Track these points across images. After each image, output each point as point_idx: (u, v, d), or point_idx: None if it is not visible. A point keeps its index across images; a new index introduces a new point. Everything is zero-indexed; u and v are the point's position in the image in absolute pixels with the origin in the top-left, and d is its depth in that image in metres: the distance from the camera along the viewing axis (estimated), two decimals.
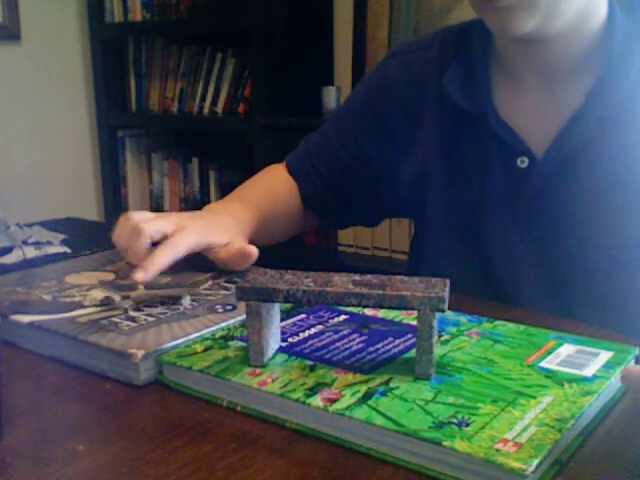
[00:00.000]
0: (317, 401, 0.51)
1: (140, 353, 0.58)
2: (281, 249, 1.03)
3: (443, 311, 0.54)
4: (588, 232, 0.82)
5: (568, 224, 0.83)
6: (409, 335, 0.63)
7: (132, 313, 0.67)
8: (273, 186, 1.01)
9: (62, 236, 1.02)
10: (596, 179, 0.81)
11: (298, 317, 0.67)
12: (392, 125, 0.95)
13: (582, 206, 0.82)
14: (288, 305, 0.69)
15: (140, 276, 0.69)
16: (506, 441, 0.46)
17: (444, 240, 0.92)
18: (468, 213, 0.88)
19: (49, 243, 0.98)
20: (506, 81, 0.87)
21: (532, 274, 0.85)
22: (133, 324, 0.65)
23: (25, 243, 0.97)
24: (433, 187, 0.92)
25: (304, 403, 0.51)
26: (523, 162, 0.83)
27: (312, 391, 0.53)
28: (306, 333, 0.64)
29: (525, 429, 0.47)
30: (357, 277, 0.58)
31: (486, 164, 0.86)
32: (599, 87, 0.80)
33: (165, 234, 0.74)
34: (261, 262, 0.79)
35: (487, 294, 0.83)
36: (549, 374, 0.56)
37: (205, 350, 0.60)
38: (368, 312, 0.69)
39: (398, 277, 0.58)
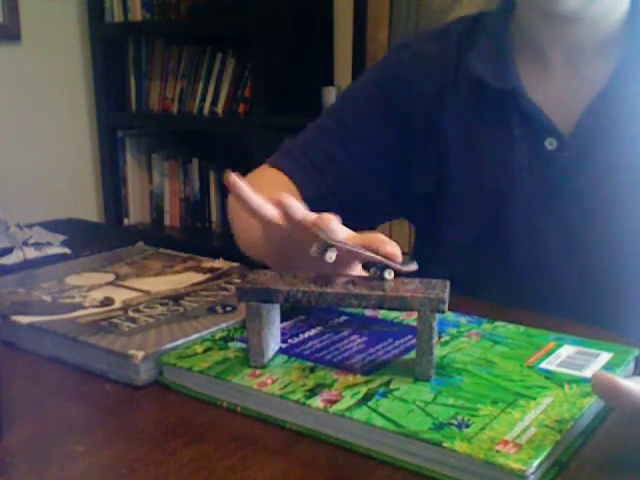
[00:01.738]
0: (317, 402, 0.51)
1: (140, 354, 0.58)
2: None
3: (443, 312, 0.54)
4: (615, 212, 0.82)
5: (595, 205, 0.82)
6: (409, 336, 0.63)
7: (131, 314, 0.67)
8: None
9: (62, 237, 1.02)
10: (621, 159, 0.81)
11: (298, 318, 0.67)
12: (408, 115, 0.93)
13: (609, 185, 0.82)
14: (288, 306, 0.69)
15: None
16: (506, 442, 0.46)
17: (464, 222, 0.90)
18: (492, 196, 0.87)
19: (49, 244, 0.98)
20: (531, 61, 0.87)
21: (557, 258, 0.84)
22: (133, 325, 0.65)
23: (25, 244, 0.97)
24: (453, 175, 0.90)
25: (304, 404, 0.51)
26: (551, 144, 0.83)
27: (312, 392, 0.53)
28: (306, 334, 0.63)
29: (525, 430, 0.47)
30: (357, 278, 0.58)
31: (511, 146, 0.85)
32: (624, 66, 0.81)
33: None
34: (261, 263, 0.79)
35: (505, 277, 0.82)
36: (549, 375, 0.56)
37: (205, 351, 0.60)
38: (368, 313, 0.69)
39: (398, 278, 0.58)
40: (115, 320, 0.66)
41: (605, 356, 0.59)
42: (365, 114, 0.95)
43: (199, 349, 0.60)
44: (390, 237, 0.62)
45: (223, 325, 0.65)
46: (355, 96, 0.98)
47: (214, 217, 2.56)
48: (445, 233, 0.92)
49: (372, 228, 1.00)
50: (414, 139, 0.93)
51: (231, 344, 0.61)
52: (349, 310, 0.69)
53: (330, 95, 2.15)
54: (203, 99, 2.47)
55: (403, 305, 0.55)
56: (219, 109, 2.43)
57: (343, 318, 0.67)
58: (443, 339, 0.63)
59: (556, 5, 0.79)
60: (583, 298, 0.82)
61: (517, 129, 0.85)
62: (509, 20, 0.89)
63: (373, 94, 0.95)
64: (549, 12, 0.82)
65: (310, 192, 0.90)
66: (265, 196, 0.82)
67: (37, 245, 0.97)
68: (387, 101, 0.94)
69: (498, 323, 0.67)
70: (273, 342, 0.59)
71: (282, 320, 0.63)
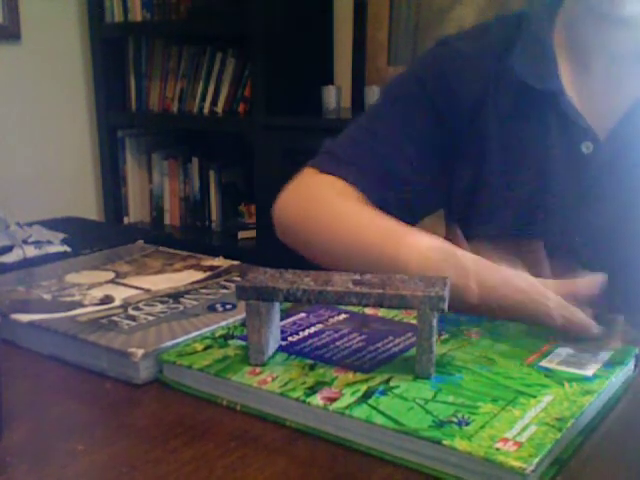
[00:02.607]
0: (317, 400, 0.51)
1: (140, 352, 0.58)
2: (281, 249, 1.02)
3: (443, 310, 0.54)
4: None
5: (624, 210, 0.82)
6: (409, 334, 0.63)
7: (131, 312, 0.67)
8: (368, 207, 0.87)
9: (62, 235, 1.02)
10: None
11: (298, 316, 0.67)
12: (449, 113, 0.91)
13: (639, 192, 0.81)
14: (288, 304, 0.69)
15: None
16: (506, 440, 0.46)
17: (496, 220, 0.89)
18: (525, 196, 0.86)
19: (49, 242, 0.98)
20: (573, 64, 0.86)
21: (588, 264, 0.83)
22: (133, 323, 0.65)
23: (25, 242, 0.96)
24: (489, 173, 0.89)
25: (304, 402, 0.51)
26: (588, 148, 0.83)
27: (312, 390, 0.53)
28: (306, 332, 0.63)
29: (525, 428, 0.47)
30: (357, 276, 0.58)
31: (548, 147, 0.85)
32: None
33: None
34: (262, 261, 0.79)
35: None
36: (549, 373, 0.56)
37: (205, 349, 0.60)
38: (368, 311, 0.68)
39: (398, 276, 0.58)
40: (115, 318, 0.66)
41: (605, 354, 0.59)
42: (410, 115, 0.93)
43: (199, 347, 0.60)
44: None
45: (223, 323, 0.65)
46: (397, 96, 0.95)
47: (214, 216, 2.56)
48: (476, 229, 0.90)
49: (416, 223, 0.95)
50: (455, 136, 0.92)
51: (231, 342, 0.61)
52: (349, 308, 0.69)
53: (330, 95, 2.15)
54: (203, 99, 2.47)
55: (403, 303, 0.55)
56: (219, 109, 2.43)
57: (343, 316, 0.67)
58: (443, 337, 0.63)
59: (618, 7, 0.78)
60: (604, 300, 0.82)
61: (555, 131, 0.85)
62: (553, 20, 0.88)
63: (414, 93, 0.93)
64: (608, 14, 0.81)
65: (376, 197, 0.88)
66: (349, 208, 0.84)
67: (37, 243, 0.97)
68: (428, 99, 0.92)
69: (498, 321, 0.66)
70: (273, 340, 0.59)
71: (282, 318, 0.63)
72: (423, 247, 0.71)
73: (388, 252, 0.74)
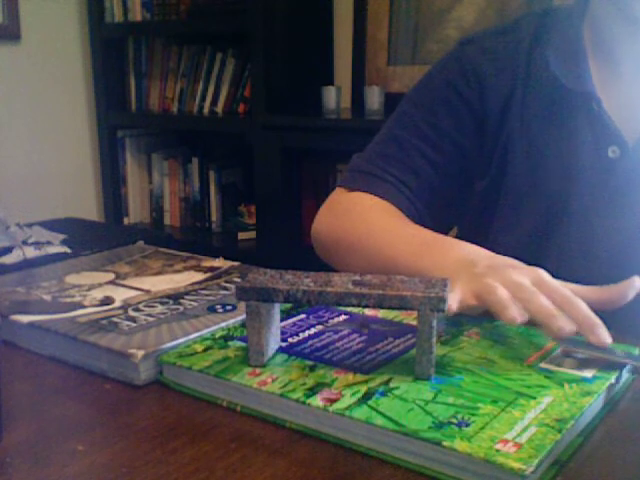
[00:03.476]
0: (317, 401, 0.51)
1: (140, 353, 0.58)
2: (281, 249, 1.02)
3: (443, 311, 0.54)
4: None
5: None
6: (409, 335, 0.63)
7: (131, 313, 0.67)
8: (399, 215, 0.88)
9: (62, 236, 1.02)
10: None
11: (298, 317, 0.67)
12: (483, 113, 0.89)
13: None
14: (288, 305, 0.69)
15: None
16: (506, 441, 0.46)
17: (519, 223, 0.88)
18: (549, 198, 0.85)
19: (49, 243, 0.98)
20: (601, 65, 0.85)
21: (609, 270, 0.81)
22: (133, 324, 0.65)
23: (25, 243, 0.97)
24: (512, 173, 0.88)
25: (304, 403, 0.51)
26: (614, 152, 0.81)
27: (312, 391, 0.53)
28: (306, 333, 0.63)
29: (525, 429, 0.47)
30: (357, 277, 0.58)
31: (574, 149, 0.84)
32: None
33: None
34: (262, 262, 0.79)
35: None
36: (549, 374, 0.56)
37: (205, 350, 0.60)
38: (368, 312, 0.69)
39: (398, 277, 0.58)
40: (115, 319, 0.66)
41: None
42: (443, 122, 0.91)
43: (199, 348, 0.60)
44: None
45: (223, 324, 0.65)
46: (427, 101, 0.93)
47: (214, 217, 2.56)
48: (499, 234, 0.90)
49: (447, 232, 0.97)
50: (485, 136, 0.90)
51: (231, 343, 0.61)
52: (349, 309, 0.69)
53: (330, 95, 2.15)
54: (203, 99, 2.47)
55: (403, 304, 0.55)
56: (219, 109, 2.43)
57: (343, 317, 0.67)
58: (443, 338, 0.63)
59: None
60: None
61: (583, 133, 0.84)
62: (582, 18, 0.87)
63: (446, 96, 0.91)
64: (636, 15, 0.80)
65: (407, 209, 0.89)
66: (382, 223, 0.84)
67: (37, 244, 0.97)
68: (462, 101, 0.90)
69: (498, 322, 0.66)
70: (273, 341, 0.59)
71: (282, 319, 0.63)
72: (450, 261, 0.70)
73: (422, 270, 0.73)
